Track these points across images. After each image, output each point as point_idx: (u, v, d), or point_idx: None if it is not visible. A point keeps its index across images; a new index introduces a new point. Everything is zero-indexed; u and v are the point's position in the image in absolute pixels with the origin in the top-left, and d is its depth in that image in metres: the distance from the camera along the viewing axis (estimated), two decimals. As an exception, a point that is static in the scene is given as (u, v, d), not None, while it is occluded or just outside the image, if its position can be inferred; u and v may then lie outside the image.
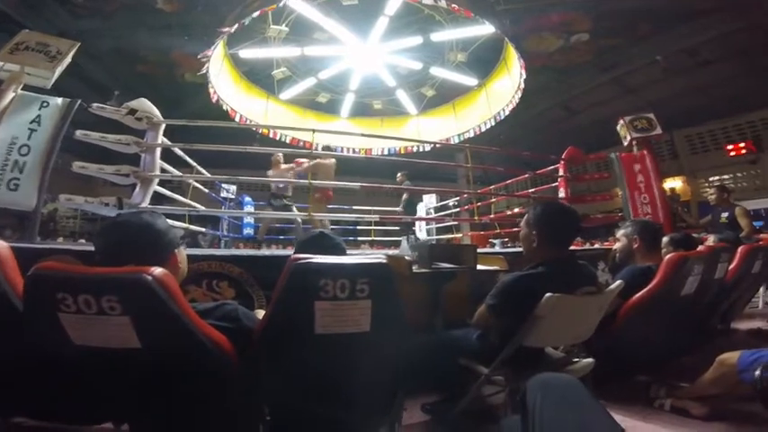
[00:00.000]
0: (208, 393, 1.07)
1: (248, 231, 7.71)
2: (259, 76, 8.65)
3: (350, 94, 9.11)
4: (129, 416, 1.18)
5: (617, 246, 2.28)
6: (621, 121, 4.65)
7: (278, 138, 8.98)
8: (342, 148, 8.82)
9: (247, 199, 7.93)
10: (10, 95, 2.75)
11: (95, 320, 0.90)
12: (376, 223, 7.25)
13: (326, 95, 9.11)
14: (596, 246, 5.34)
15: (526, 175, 5.63)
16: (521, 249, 3.48)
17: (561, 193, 4.66)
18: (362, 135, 8.40)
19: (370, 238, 7.37)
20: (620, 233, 2.28)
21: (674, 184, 11.99)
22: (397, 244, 5.88)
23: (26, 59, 2.92)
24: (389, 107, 9.77)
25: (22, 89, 2.86)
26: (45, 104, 2.89)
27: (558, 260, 1.53)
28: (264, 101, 9.03)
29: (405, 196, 6.83)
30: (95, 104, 3.21)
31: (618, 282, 1.56)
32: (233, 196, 7.08)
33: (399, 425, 1.40)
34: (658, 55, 8.02)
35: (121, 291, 0.88)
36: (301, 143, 8.80)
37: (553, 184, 4.99)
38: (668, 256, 1.90)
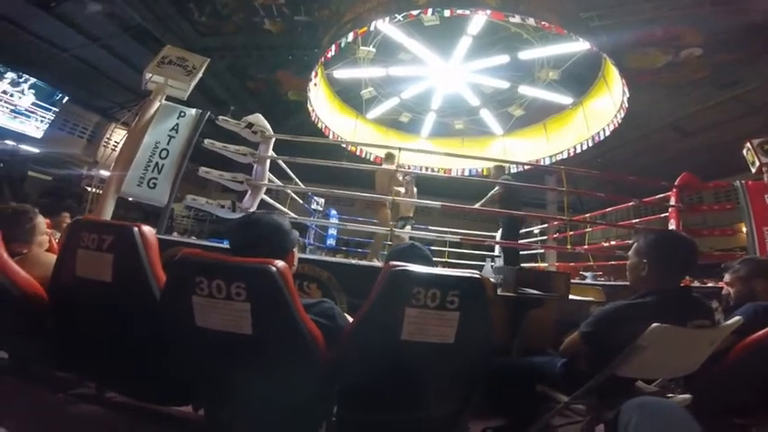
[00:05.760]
0: (291, 384, 1.16)
1: (330, 242, 8.21)
2: (349, 96, 9.16)
3: (431, 113, 9.13)
4: (211, 399, 1.29)
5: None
6: (748, 145, 4.00)
7: (363, 155, 9.32)
8: (421, 168, 8.83)
9: (333, 212, 8.44)
10: (156, 105, 3.20)
11: (222, 305, 1.06)
12: (452, 245, 7.10)
13: (408, 115, 9.26)
14: (710, 284, 4.59)
15: (630, 203, 4.80)
16: (616, 283, 3.18)
17: (672, 226, 4.11)
18: (447, 154, 8.34)
19: (444, 260, 7.25)
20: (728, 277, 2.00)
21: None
22: (474, 268, 5.66)
23: (169, 73, 3.27)
24: (471, 127, 9.55)
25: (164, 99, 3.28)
26: (182, 114, 3.21)
27: (670, 291, 1.41)
28: (354, 120, 9.52)
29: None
30: (221, 117, 3.45)
31: (736, 318, 1.38)
32: (321, 208, 7.60)
33: (459, 443, 1.37)
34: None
35: (249, 278, 1.03)
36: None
37: (662, 215, 4.41)
38: None
